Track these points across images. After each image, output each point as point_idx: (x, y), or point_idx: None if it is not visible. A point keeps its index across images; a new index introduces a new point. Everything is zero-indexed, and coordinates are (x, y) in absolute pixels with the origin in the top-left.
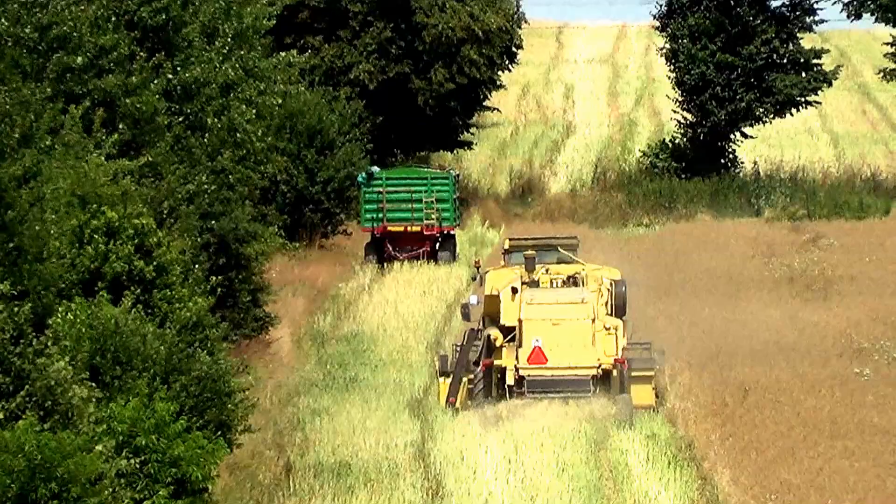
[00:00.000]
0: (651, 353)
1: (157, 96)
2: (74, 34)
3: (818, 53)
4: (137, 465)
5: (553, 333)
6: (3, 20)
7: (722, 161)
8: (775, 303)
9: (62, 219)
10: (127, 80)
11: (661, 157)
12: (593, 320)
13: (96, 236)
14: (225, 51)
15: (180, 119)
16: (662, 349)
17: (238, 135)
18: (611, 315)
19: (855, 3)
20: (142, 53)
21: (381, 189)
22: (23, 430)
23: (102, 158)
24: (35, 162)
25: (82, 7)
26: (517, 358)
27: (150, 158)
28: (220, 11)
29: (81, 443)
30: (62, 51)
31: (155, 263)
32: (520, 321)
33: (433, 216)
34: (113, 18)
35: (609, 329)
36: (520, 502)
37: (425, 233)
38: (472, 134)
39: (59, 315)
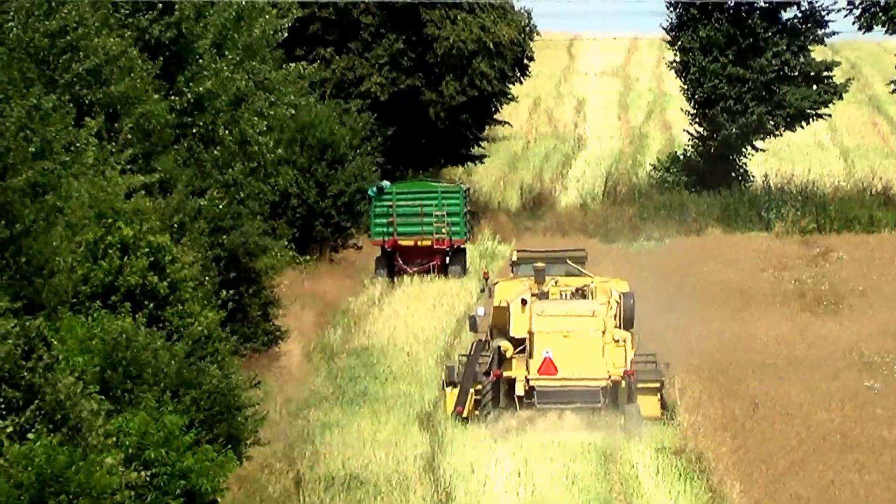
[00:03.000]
0: (656, 364)
1: (165, 105)
2: (83, 42)
3: (829, 66)
4: (147, 478)
5: (564, 345)
6: (13, 27)
7: (732, 174)
8: (785, 316)
9: (78, 233)
10: (129, 86)
11: (671, 170)
12: (603, 332)
13: (111, 251)
14: (235, 62)
15: (193, 131)
16: (668, 361)
17: (249, 147)
18: (619, 327)
19: (866, 15)
20: (141, 61)
21: (391, 203)
22: (33, 444)
23: (118, 173)
24: (46, 174)
25: (90, 13)
26: (527, 369)
27: (160, 169)
28: (230, 23)
29: (91, 456)
30: (72, 56)
31: (169, 280)
32: (530, 332)
33: (443, 230)
34: (127, 33)
35: (618, 341)
36: None
37: (435, 246)
38: (483, 147)
39: (64, 329)
